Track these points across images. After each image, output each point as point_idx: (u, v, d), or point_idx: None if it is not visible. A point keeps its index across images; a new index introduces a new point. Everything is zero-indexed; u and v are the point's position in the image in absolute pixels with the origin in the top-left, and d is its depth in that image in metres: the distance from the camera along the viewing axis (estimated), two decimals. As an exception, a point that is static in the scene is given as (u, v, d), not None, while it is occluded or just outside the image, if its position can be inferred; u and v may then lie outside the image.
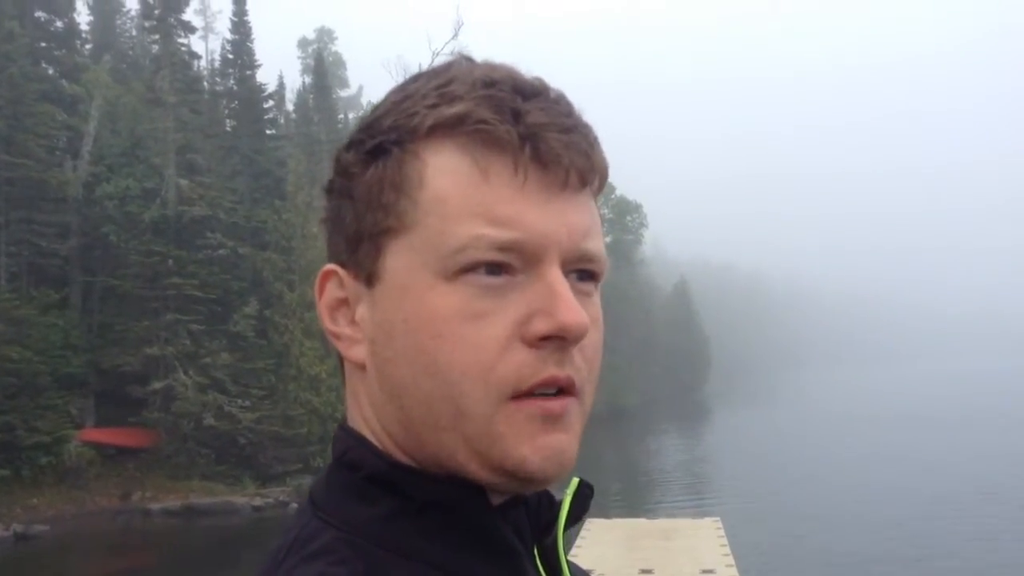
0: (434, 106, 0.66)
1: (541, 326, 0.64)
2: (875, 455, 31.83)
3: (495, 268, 0.65)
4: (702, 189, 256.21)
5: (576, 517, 0.75)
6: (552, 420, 0.65)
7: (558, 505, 0.74)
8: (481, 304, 0.64)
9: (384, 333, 0.68)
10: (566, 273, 0.66)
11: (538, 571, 0.72)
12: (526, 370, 0.64)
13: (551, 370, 0.65)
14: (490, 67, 0.69)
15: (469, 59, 0.71)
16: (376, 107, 0.72)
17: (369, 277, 0.69)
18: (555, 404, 0.65)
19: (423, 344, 0.65)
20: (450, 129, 0.66)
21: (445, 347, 0.64)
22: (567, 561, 0.76)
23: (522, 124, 0.65)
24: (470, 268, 0.64)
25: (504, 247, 0.64)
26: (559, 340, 0.64)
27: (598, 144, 0.70)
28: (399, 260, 0.67)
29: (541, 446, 0.65)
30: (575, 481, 0.75)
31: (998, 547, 17.76)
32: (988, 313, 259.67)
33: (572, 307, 0.64)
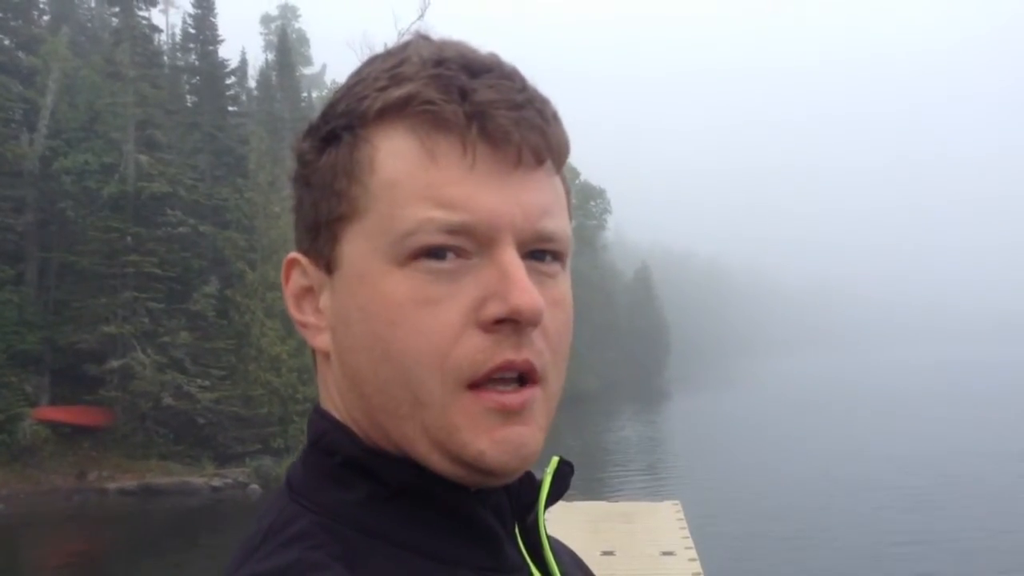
0: (383, 89, 0.66)
1: (494, 309, 0.63)
2: (828, 440, 32.38)
3: (446, 252, 0.63)
4: (663, 178, 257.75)
5: (557, 496, 0.75)
6: (511, 414, 0.64)
7: (538, 485, 0.73)
8: (434, 289, 0.63)
9: (343, 321, 0.67)
10: (524, 255, 0.65)
11: (520, 551, 0.72)
12: (481, 355, 0.63)
13: (507, 354, 0.64)
14: (441, 45, 0.68)
15: (426, 38, 0.69)
16: (334, 92, 0.71)
17: (328, 265, 0.68)
18: (513, 398, 0.64)
19: (378, 331, 0.64)
20: (399, 111, 0.65)
21: (399, 334, 0.64)
22: (549, 539, 0.76)
23: (469, 102, 0.64)
24: (421, 253, 0.63)
25: (454, 230, 0.63)
26: (514, 323, 0.63)
27: (555, 119, 0.68)
28: (354, 247, 0.66)
29: (500, 439, 0.64)
30: (554, 460, 0.75)
31: (952, 530, 18.20)
32: (941, 305, 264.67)
33: (525, 289, 0.63)
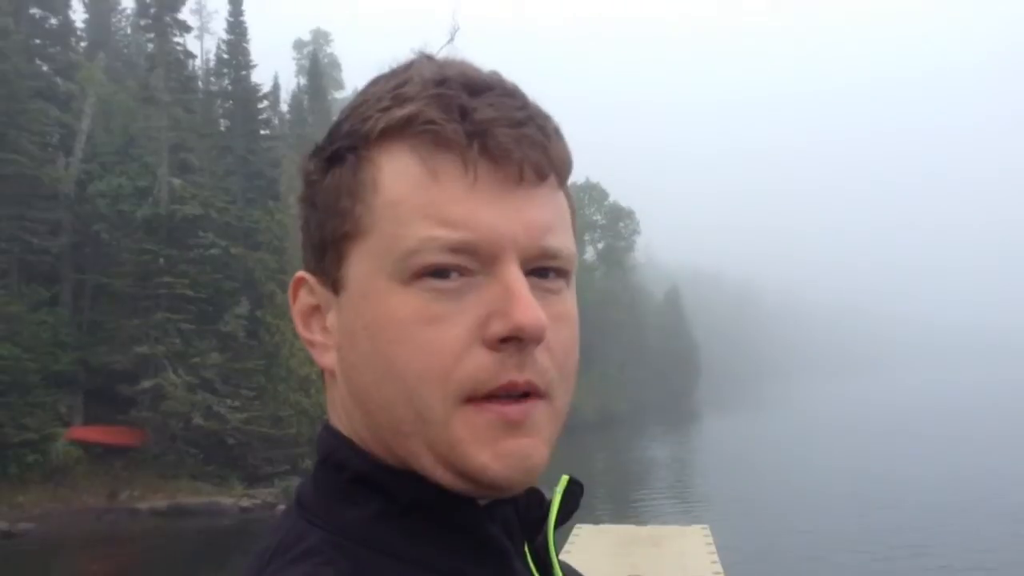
0: (386, 109, 0.66)
1: (498, 327, 0.63)
2: (861, 464, 31.92)
3: (449, 271, 0.64)
4: (694, 199, 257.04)
5: (566, 515, 0.74)
6: (513, 426, 0.64)
7: (547, 503, 0.73)
8: (438, 307, 0.63)
9: (348, 339, 0.68)
10: (528, 272, 0.65)
11: (529, 570, 0.71)
12: (484, 374, 0.63)
13: (511, 374, 0.63)
14: (443, 64, 0.68)
15: (429, 57, 0.70)
16: (340, 112, 0.72)
17: (335, 284, 0.69)
18: (514, 410, 0.64)
19: (382, 349, 0.65)
20: (401, 131, 0.66)
21: (403, 351, 0.64)
22: (558, 560, 0.75)
23: (469, 121, 0.64)
24: (425, 271, 0.63)
25: (456, 248, 0.63)
26: (518, 341, 0.63)
27: (557, 135, 0.68)
28: (359, 266, 0.66)
29: (502, 453, 0.64)
30: (564, 479, 0.74)
31: (983, 549, 17.88)
32: (974, 326, 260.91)
33: (528, 307, 0.62)
